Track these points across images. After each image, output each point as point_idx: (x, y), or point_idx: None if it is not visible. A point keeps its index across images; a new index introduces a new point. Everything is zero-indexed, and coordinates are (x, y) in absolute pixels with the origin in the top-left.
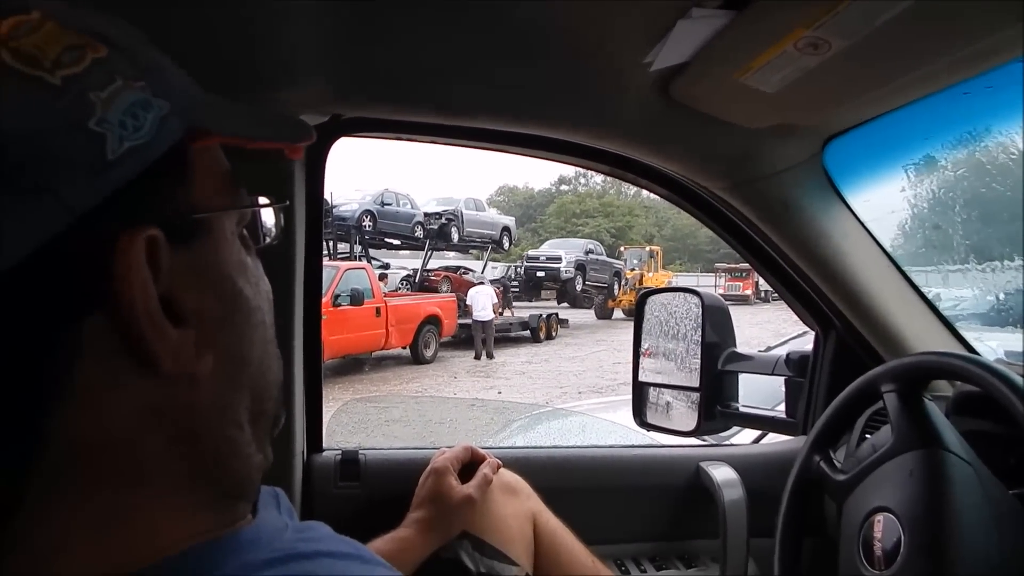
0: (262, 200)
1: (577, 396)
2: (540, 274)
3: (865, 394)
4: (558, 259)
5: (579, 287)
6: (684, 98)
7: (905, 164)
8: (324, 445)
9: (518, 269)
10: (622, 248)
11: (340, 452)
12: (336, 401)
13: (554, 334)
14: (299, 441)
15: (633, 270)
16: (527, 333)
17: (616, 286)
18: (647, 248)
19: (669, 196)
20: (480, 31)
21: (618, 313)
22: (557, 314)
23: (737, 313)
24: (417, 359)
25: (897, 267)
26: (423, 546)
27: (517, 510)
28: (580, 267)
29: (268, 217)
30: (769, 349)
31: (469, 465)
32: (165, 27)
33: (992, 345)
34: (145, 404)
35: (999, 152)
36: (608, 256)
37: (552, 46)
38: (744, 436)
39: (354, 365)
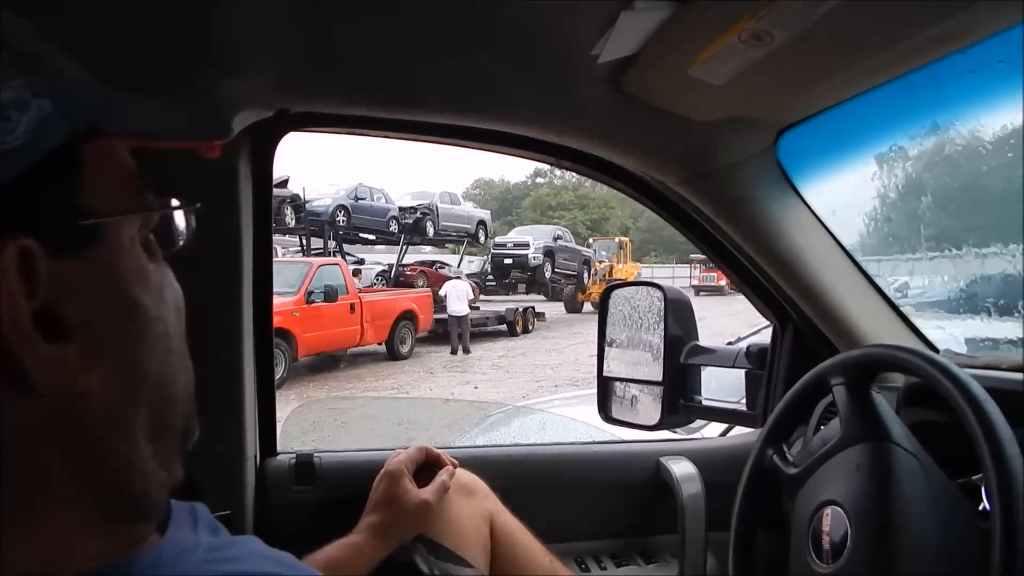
0: (174, 202)
1: (553, 389)
2: (508, 261)
3: (815, 387)
4: (526, 245)
5: (548, 274)
6: (636, 91)
7: (858, 155)
8: (279, 448)
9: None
10: (591, 240)
11: (295, 455)
12: (308, 400)
13: (531, 328)
14: (251, 445)
15: (602, 262)
16: (504, 327)
17: (586, 275)
18: (616, 239)
19: (627, 191)
20: (428, 23)
21: (588, 307)
22: (534, 307)
23: (712, 303)
24: (393, 355)
25: (851, 259)
26: (376, 551)
27: (473, 511)
28: (549, 253)
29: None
30: (740, 339)
31: (426, 465)
32: (102, 19)
33: (955, 332)
34: (29, 420)
35: (954, 142)
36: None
37: (502, 38)
38: (713, 430)
39: (329, 362)
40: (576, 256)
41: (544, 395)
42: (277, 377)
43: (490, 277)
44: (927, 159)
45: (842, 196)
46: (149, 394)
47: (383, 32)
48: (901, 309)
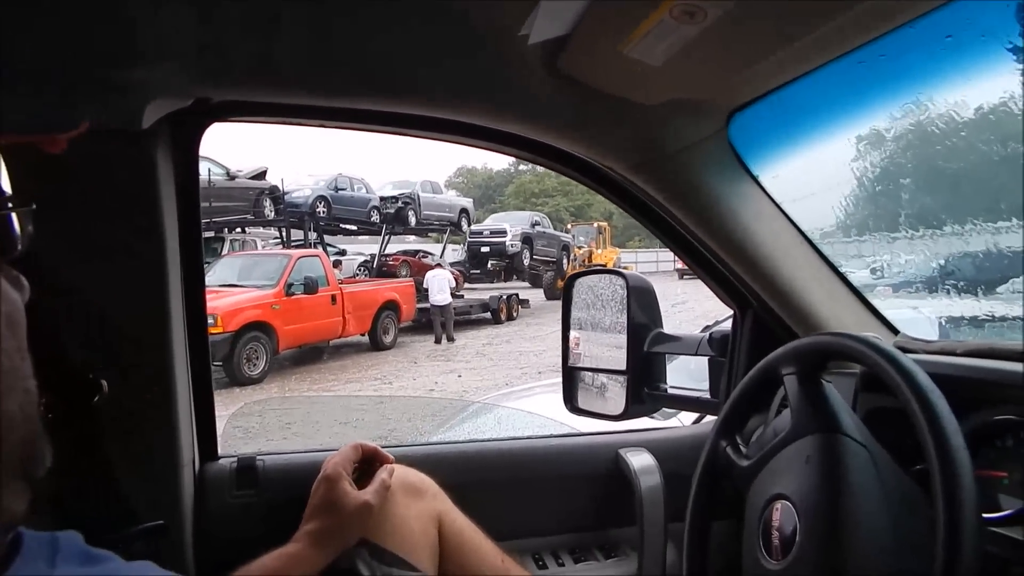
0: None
1: (537, 376)
2: (484, 249)
3: (766, 377)
4: (503, 233)
5: (527, 261)
6: (574, 73)
7: (814, 136)
8: (220, 452)
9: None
10: (569, 225)
11: (236, 459)
12: (292, 392)
13: (515, 315)
14: (187, 450)
15: (581, 247)
16: (488, 315)
17: (565, 261)
18: (595, 224)
19: (578, 178)
20: (349, 5)
21: None
22: (517, 295)
23: (696, 287)
24: (376, 346)
25: (810, 243)
26: (317, 559)
27: (421, 511)
28: (527, 240)
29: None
30: (717, 323)
31: (370, 463)
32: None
33: (927, 312)
34: None
35: (908, 119)
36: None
37: (429, 17)
38: (688, 419)
39: (312, 354)
40: (555, 242)
41: (528, 382)
42: (258, 371)
43: (487, 267)
44: (881, 137)
45: (800, 178)
46: None
47: (300, 15)
48: (862, 292)
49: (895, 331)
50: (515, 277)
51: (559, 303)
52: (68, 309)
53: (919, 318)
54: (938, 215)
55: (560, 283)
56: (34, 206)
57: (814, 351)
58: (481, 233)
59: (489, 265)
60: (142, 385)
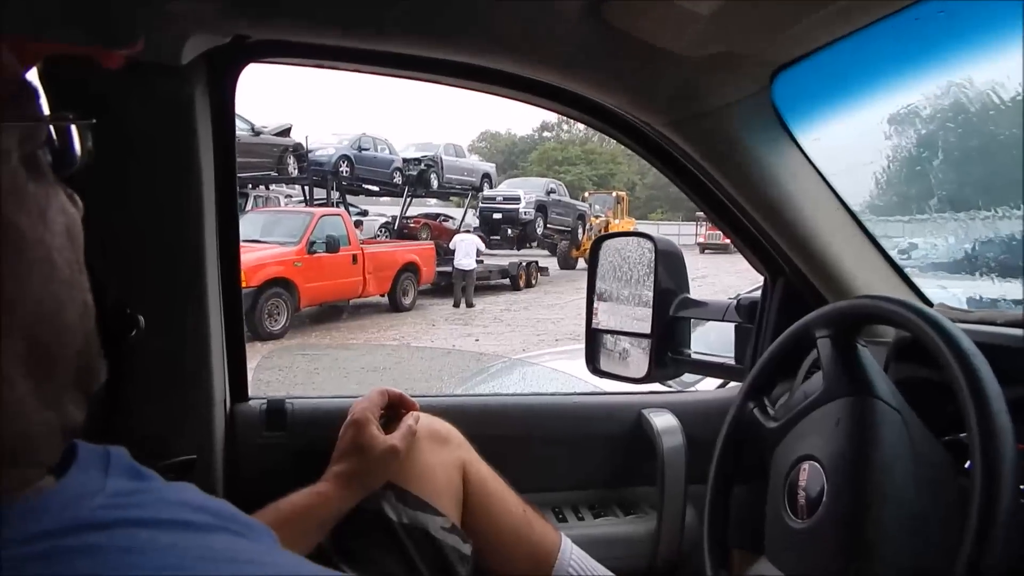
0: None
1: (554, 343)
2: (497, 216)
3: (799, 340)
4: (516, 199)
5: (540, 230)
6: (617, 21)
7: (860, 101)
8: (250, 394)
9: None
10: (586, 194)
11: (266, 401)
12: (313, 348)
13: (534, 282)
14: (219, 390)
15: (598, 217)
16: (507, 281)
17: (580, 231)
18: (613, 194)
19: (608, 130)
20: None
21: (582, 263)
22: (537, 262)
23: (717, 261)
24: (395, 307)
25: (848, 211)
26: (344, 499)
27: (445, 459)
28: (541, 208)
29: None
30: (739, 296)
31: (395, 409)
32: None
33: (955, 292)
34: None
35: (964, 89)
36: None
37: None
38: (710, 386)
39: (332, 313)
40: (571, 211)
41: (544, 348)
42: (279, 327)
43: (497, 236)
44: (936, 111)
45: (842, 145)
46: (23, 324)
47: None
48: (898, 264)
49: (930, 304)
50: (528, 245)
51: (573, 272)
52: (104, 243)
53: (948, 297)
54: (983, 195)
55: (575, 252)
56: (94, 120)
57: (850, 313)
58: (494, 199)
59: (501, 233)
60: (177, 323)
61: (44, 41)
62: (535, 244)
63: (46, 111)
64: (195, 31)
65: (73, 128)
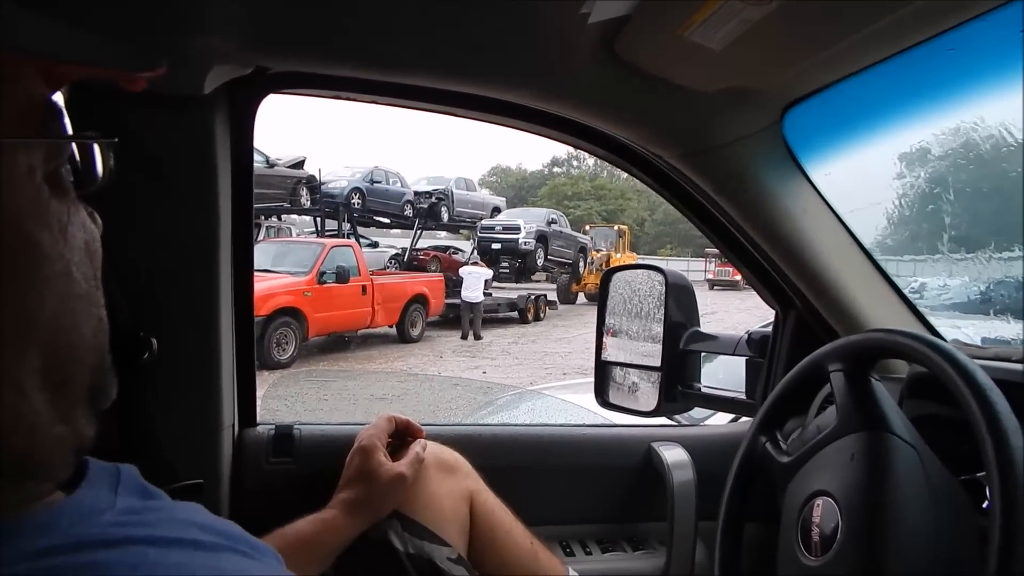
0: (78, 139)
1: (562, 376)
2: (496, 246)
3: (812, 374)
4: (516, 229)
5: (540, 262)
6: (630, 57)
7: (871, 137)
8: (258, 420)
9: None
10: (587, 227)
11: (274, 427)
12: (320, 375)
13: (542, 315)
14: (228, 414)
15: (599, 251)
16: (515, 314)
17: (582, 264)
18: (615, 227)
19: (620, 163)
20: None
21: (581, 298)
22: (545, 296)
23: (726, 298)
24: (403, 338)
25: (859, 245)
26: (350, 527)
27: (452, 489)
28: (542, 238)
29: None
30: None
31: (402, 436)
32: None
33: (968, 331)
34: None
35: (975, 130)
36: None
37: None
38: (721, 421)
39: (339, 343)
40: (572, 243)
41: (552, 382)
42: (287, 356)
43: (504, 266)
44: (947, 149)
45: (853, 181)
46: (40, 339)
47: None
48: (911, 300)
49: (943, 339)
50: (529, 278)
51: (573, 307)
52: (119, 266)
53: (961, 336)
54: (996, 234)
55: (575, 287)
56: (117, 139)
57: (865, 347)
58: (493, 228)
59: (500, 264)
60: (189, 347)
61: (70, 64)
62: (533, 277)
63: (69, 131)
64: (218, 62)
65: (96, 148)
